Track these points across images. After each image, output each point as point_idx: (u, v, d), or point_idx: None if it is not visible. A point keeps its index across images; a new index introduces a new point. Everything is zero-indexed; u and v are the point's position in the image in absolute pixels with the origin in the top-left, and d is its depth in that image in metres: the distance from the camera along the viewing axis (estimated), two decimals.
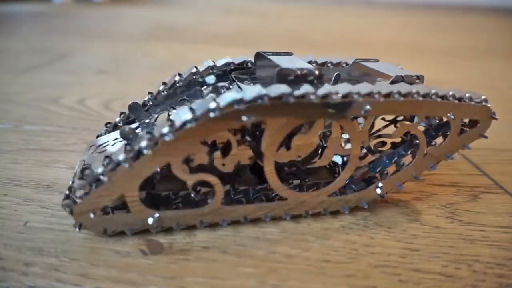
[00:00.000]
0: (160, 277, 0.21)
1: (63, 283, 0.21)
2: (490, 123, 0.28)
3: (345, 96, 0.23)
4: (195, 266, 0.22)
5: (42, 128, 0.40)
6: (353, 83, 0.24)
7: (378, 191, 0.28)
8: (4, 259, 0.22)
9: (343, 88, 0.23)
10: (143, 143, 0.21)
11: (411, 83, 0.26)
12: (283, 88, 0.22)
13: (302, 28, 1.30)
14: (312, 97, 0.22)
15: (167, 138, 0.21)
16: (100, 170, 0.22)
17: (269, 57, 0.28)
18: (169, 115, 0.30)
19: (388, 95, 0.24)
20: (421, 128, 0.27)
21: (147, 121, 0.30)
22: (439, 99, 0.25)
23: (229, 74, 0.32)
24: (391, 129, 0.29)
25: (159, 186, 0.26)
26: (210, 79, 0.32)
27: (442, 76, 0.70)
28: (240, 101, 0.21)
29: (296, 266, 0.23)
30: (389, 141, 0.30)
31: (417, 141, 0.27)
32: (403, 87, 0.25)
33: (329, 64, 0.32)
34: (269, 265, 0.23)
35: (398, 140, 0.29)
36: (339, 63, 0.32)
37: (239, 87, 0.28)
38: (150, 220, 0.23)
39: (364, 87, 0.24)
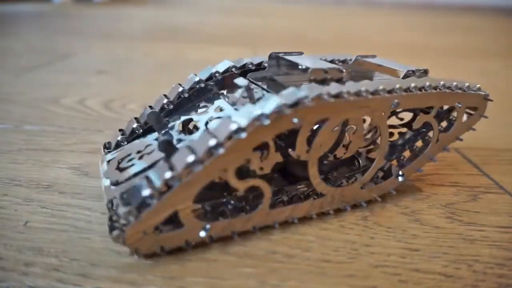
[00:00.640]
0: (160, 277, 0.21)
1: (63, 283, 0.21)
2: (486, 105, 0.31)
3: (375, 93, 0.24)
4: (195, 266, 0.22)
5: (42, 128, 0.40)
6: (370, 79, 0.27)
7: (400, 178, 0.29)
8: (4, 259, 0.22)
9: (373, 85, 0.25)
10: (190, 158, 0.20)
11: (420, 77, 0.29)
12: (323, 88, 0.23)
13: (302, 28, 1.30)
14: (347, 95, 0.24)
15: (220, 151, 0.21)
16: (147, 192, 0.20)
17: (286, 57, 0.29)
18: (206, 123, 0.27)
19: (411, 90, 0.26)
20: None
21: (172, 132, 0.28)
22: (447, 90, 0.28)
23: (242, 76, 0.31)
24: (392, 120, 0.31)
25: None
26: (241, 81, 0.28)
27: (442, 76, 0.70)
28: (288, 104, 0.22)
29: (296, 266, 0.23)
30: (395, 131, 0.32)
31: (423, 129, 0.30)
32: (418, 82, 0.27)
33: (336, 62, 0.33)
34: (269, 265, 0.23)
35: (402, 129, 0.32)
36: (344, 60, 0.34)
37: (265, 89, 0.28)
38: (203, 233, 0.23)
39: (389, 84, 0.25)
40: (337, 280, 0.22)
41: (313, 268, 0.23)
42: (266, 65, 0.32)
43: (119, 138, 0.29)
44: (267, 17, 1.58)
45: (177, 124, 0.28)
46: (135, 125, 0.29)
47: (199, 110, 0.29)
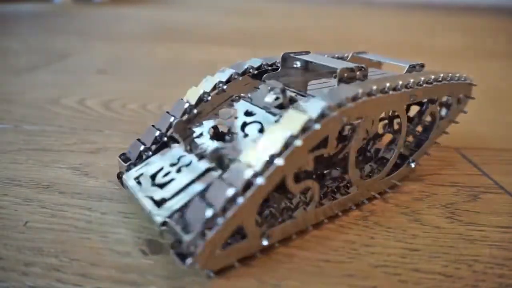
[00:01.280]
0: (160, 277, 0.21)
1: (63, 283, 0.21)
2: (471, 89, 0.34)
3: (401, 87, 0.26)
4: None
5: (42, 128, 0.40)
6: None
7: (412, 164, 0.32)
8: (4, 259, 0.22)
9: (395, 80, 0.26)
10: (248, 173, 0.20)
11: (419, 71, 0.31)
12: (364, 87, 0.24)
13: (302, 28, 1.30)
14: (386, 91, 0.25)
15: (278, 162, 0.20)
16: (210, 212, 0.20)
17: (301, 57, 0.30)
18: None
19: (422, 83, 0.28)
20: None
21: (201, 139, 0.27)
22: (446, 82, 0.30)
23: (256, 78, 0.31)
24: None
25: None
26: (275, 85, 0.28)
27: None
28: (334, 106, 0.22)
29: (296, 266, 0.23)
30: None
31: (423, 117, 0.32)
32: (426, 76, 0.28)
33: (336, 58, 0.34)
34: (269, 265, 0.23)
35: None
36: (342, 57, 0.35)
37: (295, 91, 0.28)
38: (265, 242, 0.23)
39: (405, 78, 0.27)
40: (337, 280, 0.22)
41: (313, 268, 0.23)
42: (278, 65, 0.32)
43: (141, 148, 0.28)
44: (267, 17, 1.58)
45: (207, 131, 0.27)
46: (157, 133, 0.28)
47: (222, 115, 0.28)
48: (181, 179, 0.24)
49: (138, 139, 0.29)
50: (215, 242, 0.20)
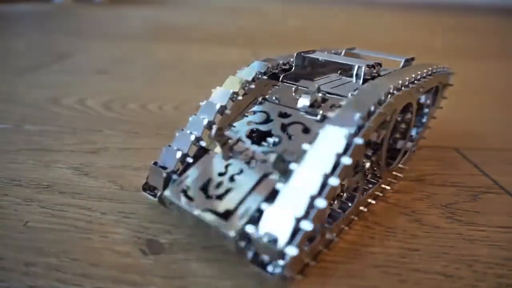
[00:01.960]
0: (160, 277, 0.21)
1: (63, 283, 0.21)
2: (449, 77, 0.36)
3: (420, 79, 0.29)
4: (195, 266, 0.22)
5: (42, 128, 0.40)
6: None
7: (413, 149, 0.34)
8: (5, 259, 0.22)
9: (409, 74, 0.28)
10: (335, 182, 0.20)
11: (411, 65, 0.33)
12: (394, 83, 0.26)
13: (302, 28, 1.30)
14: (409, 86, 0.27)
15: (347, 162, 0.21)
16: (310, 226, 0.19)
17: (316, 56, 0.31)
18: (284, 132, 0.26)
19: (429, 74, 0.31)
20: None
21: (242, 145, 0.26)
22: (438, 72, 0.33)
23: (273, 79, 0.31)
24: None
25: None
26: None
27: None
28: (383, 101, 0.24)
29: None
30: None
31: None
32: (427, 69, 0.31)
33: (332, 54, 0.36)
34: None
35: None
36: (336, 53, 0.36)
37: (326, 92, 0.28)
38: (330, 236, 0.23)
39: (418, 71, 0.29)
40: (337, 280, 0.22)
41: (313, 268, 0.22)
42: (292, 64, 0.32)
43: (178, 155, 0.26)
44: (267, 17, 1.58)
45: (244, 135, 0.26)
46: (193, 138, 0.26)
47: (254, 118, 0.27)
48: (239, 188, 0.23)
49: (169, 145, 0.27)
50: (309, 252, 0.21)
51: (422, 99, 0.35)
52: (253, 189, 0.23)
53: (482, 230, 0.27)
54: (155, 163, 0.26)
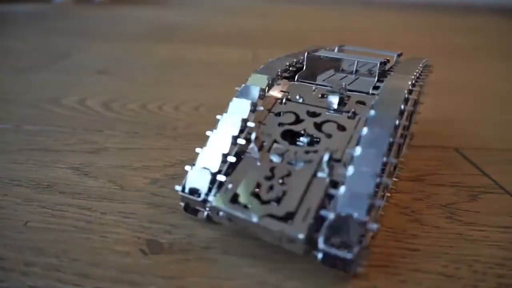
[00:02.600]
0: (160, 277, 0.21)
1: (63, 283, 0.21)
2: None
3: (423, 72, 0.32)
4: (195, 266, 0.22)
5: (42, 128, 0.40)
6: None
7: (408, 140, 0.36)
8: (5, 259, 0.22)
9: (417, 66, 0.31)
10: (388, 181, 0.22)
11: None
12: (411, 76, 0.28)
13: (302, 28, 1.30)
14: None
15: (393, 161, 0.23)
16: (364, 218, 0.20)
17: (328, 55, 0.33)
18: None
19: (425, 66, 0.33)
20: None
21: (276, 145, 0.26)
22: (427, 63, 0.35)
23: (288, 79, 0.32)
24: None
25: None
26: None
27: (442, 76, 0.70)
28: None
29: (296, 266, 0.23)
30: None
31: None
32: (422, 62, 0.33)
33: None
34: (270, 265, 0.23)
35: None
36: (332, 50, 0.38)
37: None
38: (374, 226, 0.22)
39: (418, 64, 0.32)
40: (337, 280, 0.22)
41: (313, 268, 0.22)
42: (303, 63, 0.33)
43: (220, 158, 0.25)
44: (267, 17, 1.58)
45: (279, 136, 0.26)
46: (231, 139, 0.25)
47: (283, 119, 0.27)
48: (293, 190, 0.22)
49: (225, 155, 0.25)
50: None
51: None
52: (306, 189, 0.22)
53: (482, 230, 0.27)
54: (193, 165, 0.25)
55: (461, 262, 0.23)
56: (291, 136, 0.26)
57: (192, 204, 0.25)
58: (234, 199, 0.23)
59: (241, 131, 0.26)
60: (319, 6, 2.03)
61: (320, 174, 0.23)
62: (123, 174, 0.32)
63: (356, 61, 0.33)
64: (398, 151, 0.30)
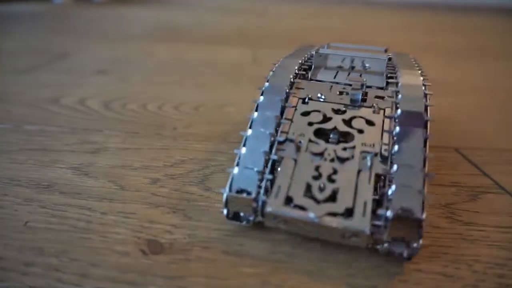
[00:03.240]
0: (160, 277, 0.21)
1: (63, 283, 0.21)
2: None
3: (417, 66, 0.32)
4: (195, 266, 0.22)
5: (42, 128, 0.40)
6: None
7: None
8: (4, 259, 0.22)
9: (409, 61, 0.33)
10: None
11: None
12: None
13: (302, 28, 1.30)
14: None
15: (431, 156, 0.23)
16: (421, 214, 0.21)
17: (337, 53, 0.34)
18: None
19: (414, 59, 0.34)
20: None
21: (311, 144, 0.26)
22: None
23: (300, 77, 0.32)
24: None
25: None
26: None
27: (442, 76, 0.70)
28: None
29: (296, 266, 0.23)
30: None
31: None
32: (406, 56, 0.34)
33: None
34: (270, 265, 0.23)
35: None
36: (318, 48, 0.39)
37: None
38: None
39: (410, 60, 0.33)
40: (337, 280, 0.22)
41: (314, 268, 0.23)
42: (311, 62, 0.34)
43: (275, 157, 0.25)
44: (267, 17, 1.58)
45: (312, 134, 0.26)
46: (282, 139, 0.26)
47: (311, 118, 0.27)
48: (344, 187, 0.23)
49: (273, 163, 0.25)
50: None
51: None
52: (356, 184, 0.23)
53: (482, 230, 0.27)
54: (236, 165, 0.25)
55: (461, 262, 0.23)
56: (321, 135, 0.27)
57: (241, 203, 0.24)
58: (288, 202, 0.22)
59: (276, 129, 0.26)
60: (319, 6, 2.03)
61: (364, 169, 0.24)
62: (123, 174, 0.32)
63: (349, 58, 0.34)
64: None
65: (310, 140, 0.26)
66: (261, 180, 0.23)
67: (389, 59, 0.33)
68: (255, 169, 0.24)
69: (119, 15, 1.39)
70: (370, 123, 0.27)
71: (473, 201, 0.30)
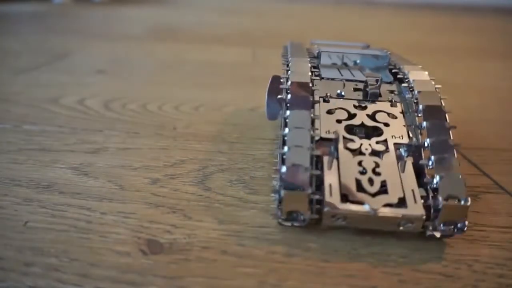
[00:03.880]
0: (160, 277, 0.21)
1: (63, 283, 0.21)
2: None
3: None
4: (195, 266, 0.22)
5: (42, 128, 0.40)
6: None
7: None
8: (4, 259, 0.22)
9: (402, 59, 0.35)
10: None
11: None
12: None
13: (302, 28, 1.30)
14: None
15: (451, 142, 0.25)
16: (468, 201, 0.23)
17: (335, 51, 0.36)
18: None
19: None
20: None
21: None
22: None
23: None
24: None
25: None
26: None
27: (442, 75, 0.70)
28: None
29: (296, 266, 0.23)
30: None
31: None
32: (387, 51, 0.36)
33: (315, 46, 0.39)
34: (269, 265, 0.23)
35: None
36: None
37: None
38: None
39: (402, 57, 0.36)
40: (337, 280, 0.22)
41: (313, 268, 0.23)
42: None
43: (318, 153, 0.25)
44: (267, 17, 1.58)
45: (344, 132, 0.27)
46: (323, 135, 0.27)
47: (338, 116, 0.28)
48: (390, 178, 0.24)
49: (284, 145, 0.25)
50: None
51: None
52: (399, 175, 0.24)
53: (482, 230, 0.27)
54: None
55: (461, 262, 0.23)
56: (350, 130, 0.28)
57: (298, 201, 0.23)
58: (344, 199, 0.23)
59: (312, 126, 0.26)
60: (319, 6, 2.03)
61: (401, 160, 0.25)
62: (123, 174, 0.32)
63: (341, 55, 0.36)
64: None
65: (344, 137, 0.27)
66: (310, 177, 0.23)
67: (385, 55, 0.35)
68: (303, 165, 0.23)
69: (119, 15, 1.39)
70: (392, 116, 0.28)
71: (473, 201, 0.30)
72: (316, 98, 0.29)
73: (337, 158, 0.25)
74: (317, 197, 0.23)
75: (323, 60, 0.36)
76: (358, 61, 0.36)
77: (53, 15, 1.32)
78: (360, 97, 0.30)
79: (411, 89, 0.29)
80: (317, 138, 0.26)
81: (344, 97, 0.30)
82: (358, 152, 0.26)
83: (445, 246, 0.25)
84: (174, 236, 0.25)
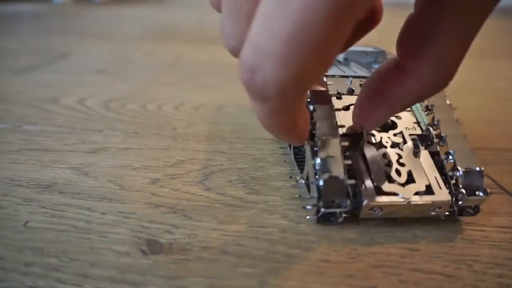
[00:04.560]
0: (160, 277, 0.21)
1: (63, 283, 0.21)
2: None
3: None
4: (195, 266, 0.22)
5: (42, 128, 0.40)
6: None
7: None
8: (4, 259, 0.22)
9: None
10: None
11: None
12: None
13: None
14: None
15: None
16: (487, 190, 0.25)
17: None
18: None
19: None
20: None
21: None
22: None
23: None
24: None
25: None
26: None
27: None
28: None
29: (296, 266, 0.23)
30: None
31: None
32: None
33: None
34: (269, 265, 0.23)
35: None
36: None
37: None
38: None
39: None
40: (337, 280, 0.22)
41: (313, 268, 0.23)
42: None
43: (346, 144, 0.25)
44: None
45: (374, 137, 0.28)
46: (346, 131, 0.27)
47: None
48: (415, 167, 0.26)
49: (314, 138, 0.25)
50: None
51: None
52: (421, 164, 0.26)
53: (482, 230, 0.27)
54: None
55: (461, 262, 0.23)
56: None
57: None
58: (379, 192, 0.24)
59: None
60: None
61: (419, 150, 0.27)
62: (123, 174, 0.32)
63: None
64: None
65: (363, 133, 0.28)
66: (346, 187, 0.24)
67: (382, 51, 0.36)
68: (339, 177, 0.23)
69: (119, 15, 1.39)
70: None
71: None
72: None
73: (363, 153, 0.27)
74: (354, 188, 0.24)
75: None
76: (356, 58, 0.37)
77: (53, 15, 1.32)
78: None
79: None
80: (340, 133, 0.26)
81: (355, 93, 0.30)
82: (379, 145, 0.27)
83: (445, 246, 0.25)
84: (174, 236, 0.25)
